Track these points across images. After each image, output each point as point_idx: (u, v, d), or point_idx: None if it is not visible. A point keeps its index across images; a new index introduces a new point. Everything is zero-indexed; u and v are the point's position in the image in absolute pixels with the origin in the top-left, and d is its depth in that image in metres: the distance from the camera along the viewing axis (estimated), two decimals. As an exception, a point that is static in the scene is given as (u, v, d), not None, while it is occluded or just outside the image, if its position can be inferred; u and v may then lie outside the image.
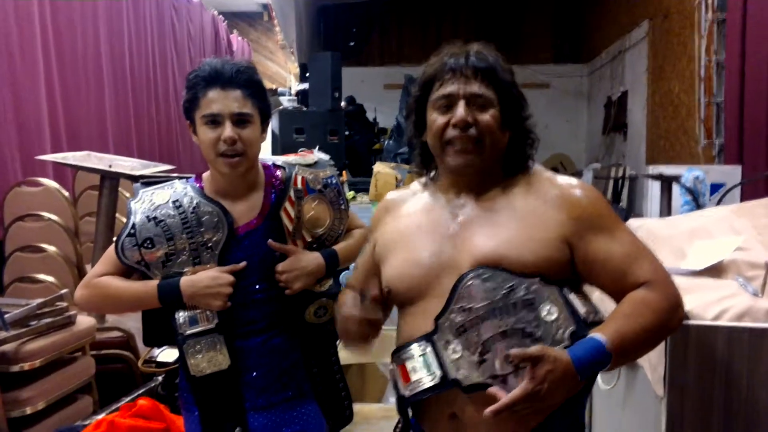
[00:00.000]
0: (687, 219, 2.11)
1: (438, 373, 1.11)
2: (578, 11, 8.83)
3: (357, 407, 2.59)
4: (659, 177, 3.12)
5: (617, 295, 1.13)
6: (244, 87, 1.42)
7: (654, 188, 3.33)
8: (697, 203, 2.86)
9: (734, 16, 3.88)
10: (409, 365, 1.13)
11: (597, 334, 1.04)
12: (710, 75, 4.30)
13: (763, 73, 3.48)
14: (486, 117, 1.15)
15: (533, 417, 1.08)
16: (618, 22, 6.99)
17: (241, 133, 1.41)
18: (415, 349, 1.14)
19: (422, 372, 1.12)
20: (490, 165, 1.19)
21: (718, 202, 2.90)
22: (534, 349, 1.01)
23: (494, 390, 1.05)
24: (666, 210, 3.00)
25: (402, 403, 1.17)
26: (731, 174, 3.32)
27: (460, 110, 1.14)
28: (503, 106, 1.17)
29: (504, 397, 1.01)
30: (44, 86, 3.64)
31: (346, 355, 2.55)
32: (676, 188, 3.01)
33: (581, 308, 1.10)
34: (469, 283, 1.10)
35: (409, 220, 1.24)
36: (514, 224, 1.14)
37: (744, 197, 3.07)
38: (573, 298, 1.11)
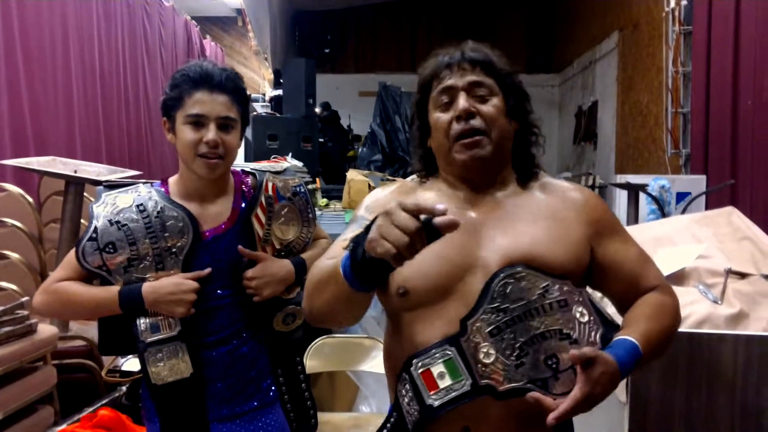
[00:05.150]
0: (652, 227, 2.14)
1: (468, 378, 1.02)
2: (550, 21, 8.96)
3: (327, 416, 2.58)
4: (626, 186, 3.17)
5: (626, 299, 1.12)
6: (231, 93, 1.42)
7: (622, 197, 3.38)
8: (662, 212, 2.91)
9: (700, 29, 3.97)
10: (435, 371, 1.03)
11: (628, 336, 1.02)
12: (677, 86, 4.39)
13: (727, 86, 3.57)
14: (488, 107, 1.11)
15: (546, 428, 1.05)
16: (589, 32, 7.10)
17: (224, 138, 1.41)
18: (439, 353, 1.03)
19: (450, 378, 1.02)
20: (500, 159, 1.14)
21: (683, 211, 2.96)
22: (588, 350, 0.96)
23: (536, 395, 0.98)
24: (633, 218, 3.05)
25: (429, 413, 1.03)
26: (696, 183, 3.39)
27: (462, 101, 1.10)
28: (506, 95, 1.13)
29: (549, 401, 0.97)
30: (6, 90, 3.55)
31: (316, 364, 2.54)
32: (643, 197, 3.07)
33: (604, 311, 1.09)
34: (503, 282, 1.03)
35: None
36: (542, 223, 1.10)
37: (709, 206, 3.13)
38: (596, 300, 1.09)
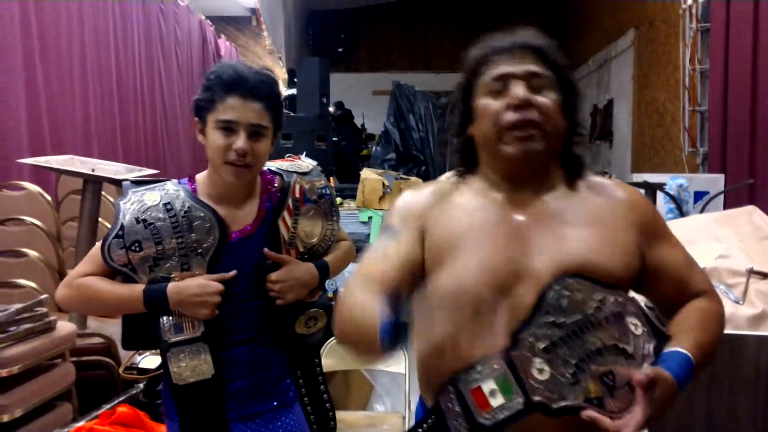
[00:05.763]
0: (671, 226, 2.12)
1: (521, 396, 0.95)
2: (564, 19, 8.91)
3: (341, 415, 2.58)
4: (644, 185, 3.14)
5: (674, 304, 1.08)
6: (264, 99, 1.38)
7: (639, 196, 3.35)
8: (680, 211, 2.88)
9: (717, 26, 3.93)
10: (486, 388, 0.96)
11: (680, 348, 0.97)
12: (694, 84, 4.35)
13: (745, 83, 3.53)
14: (546, 100, 1.02)
15: None
16: (604, 30, 7.06)
17: (253, 146, 1.38)
18: (489, 368, 0.97)
19: (503, 396, 0.96)
20: (550, 157, 1.06)
21: (702, 210, 2.93)
22: (650, 371, 0.92)
23: (592, 414, 0.92)
24: (650, 217, 3.02)
25: None
26: (715, 182, 3.36)
27: (520, 89, 1.01)
28: (563, 91, 1.06)
29: (606, 420, 0.91)
30: (24, 91, 3.59)
31: (330, 362, 2.55)
32: (660, 196, 3.04)
33: (654, 319, 1.05)
34: (559, 294, 0.96)
35: (466, 217, 1.05)
36: (592, 228, 1.03)
37: (727, 206, 3.10)
38: (644, 308, 1.05)
